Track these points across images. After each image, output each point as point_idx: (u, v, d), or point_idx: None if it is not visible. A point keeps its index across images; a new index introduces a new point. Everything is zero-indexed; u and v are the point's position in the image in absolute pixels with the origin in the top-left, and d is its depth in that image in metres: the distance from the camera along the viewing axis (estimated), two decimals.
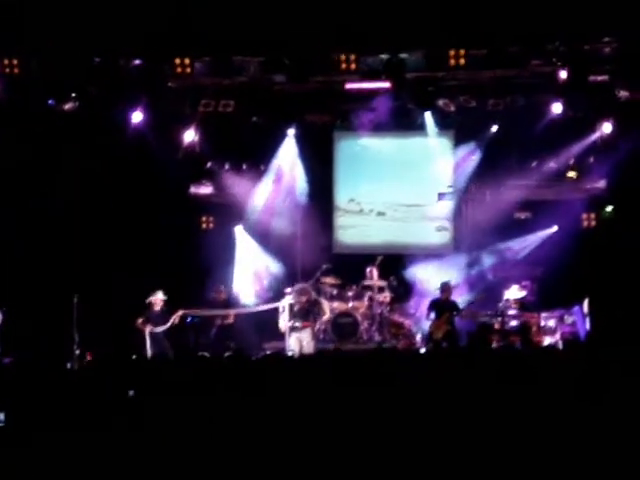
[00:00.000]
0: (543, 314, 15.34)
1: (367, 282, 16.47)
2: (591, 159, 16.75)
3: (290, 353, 13.26)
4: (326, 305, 15.02)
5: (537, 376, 7.48)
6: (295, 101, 16.32)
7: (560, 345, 14.34)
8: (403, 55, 14.74)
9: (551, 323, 15.25)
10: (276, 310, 14.65)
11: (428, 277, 16.16)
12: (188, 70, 14.75)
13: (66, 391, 7.57)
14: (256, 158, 17.53)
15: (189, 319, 15.00)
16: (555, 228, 16.84)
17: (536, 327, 15.20)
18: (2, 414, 7.27)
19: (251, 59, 15.00)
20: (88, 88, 15.12)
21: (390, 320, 16.27)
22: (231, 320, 15.37)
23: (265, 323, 15.25)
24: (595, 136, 16.41)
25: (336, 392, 7.28)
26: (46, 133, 15.57)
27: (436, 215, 17.62)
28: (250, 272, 17.26)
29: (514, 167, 16.98)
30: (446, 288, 14.79)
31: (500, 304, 15.45)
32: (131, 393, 7.53)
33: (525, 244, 17.05)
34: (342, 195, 17.95)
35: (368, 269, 16.46)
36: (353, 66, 14.65)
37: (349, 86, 15.46)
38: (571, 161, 16.88)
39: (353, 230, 17.95)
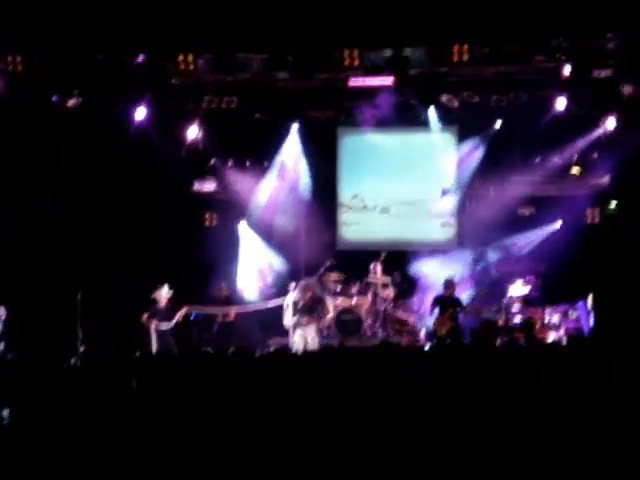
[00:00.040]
0: (547, 310, 15.33)
1: (371, 278, 16.47)
2: (595, 154, 16.72)
3: (294, 349, 13.27)
4: (330, 303, 15.01)
5: (540, 373, 7.47)
6: (298, 97, 16.31)
7: (564, 341, 14.34)
8: (406, 51, 14.73)
9: (555, 319, 15.23)
10: (280, 306, 14.67)
11: (432, 273, 16.15)
12: (191, 67, 14.73)
13: (70, 387, 7.58)
14: (259, 154, 17.52)
15: (193, 316, 15.03)
16: (559, 224, 16.85)
17: (540, 323, 15.19)
18: (6, 411, 7.29)
19: (254, 56, 14.99)
20: (91, 85, 15.12)
21: (394, 316, 16.27)
22: (232, 318, 15.39)
23: (269, 319, 15.28)
24: (599, 131, 16.40)
25: (340, 388, 7.28)
26: (47, 131, 15.58)
27: (440, 211, 17.60)
28: (254, 269, 17.26)
29: (518, 163, 16.97)
30: (450, 284, 14.76)
31: (504, 300, 15.44)
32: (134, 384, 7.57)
33: (529, 240, 17.04)
34: (346, 191, 17.95)
35: (372, 265, 16.46)
36: (356, 62, 14.63)
37: (352, 82, 15.45)
38: (575, 157, 16.86)
39: (357, 226, 17.95)
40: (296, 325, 14.19)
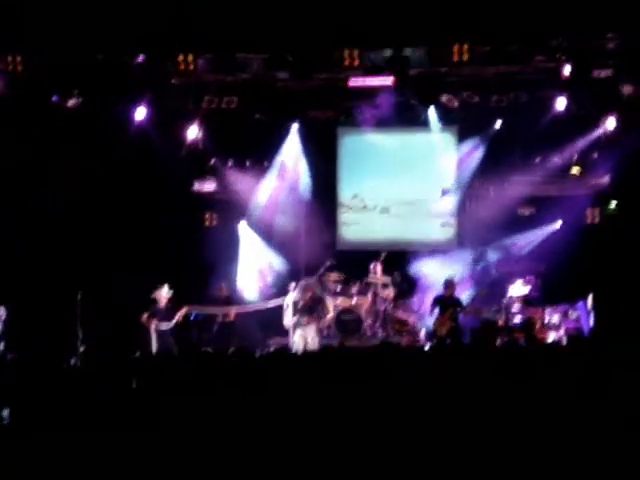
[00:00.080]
0: (547, 310, 15.33)
1: (371, 278, 16.47)
2: (595, 154, 16.72)
3: (294, 349, 13.27)
4: (330, 303, 15.01)
5: (540, 373, 7.47)
6: (298, 97, 16.31)
7: (564, 341, 14.34)
8: (406, 51, 14.73)
9: (555, 319, 15.22)
10: (280, 306, 14.67)
11: (432, 273, 16.15)
12: (191, 67, 14.73)
13: (70, 387, 7.58)
14: (259, 154, 17.52)
15: (193, 316, 15.03)
16: (559, 224, 16.85)
17: (540, 323, 15.19)
18: (6, 411, 7.29)
19: (254, 56, 15.00)
20: (91, 85, 15.11)
21: (394, 316, 16.27)
22: (232, 318, 15.39)
23: (269, 319, 15.28)
24: (599, 131, 16.40)
25: (340, 388, 7.28)
26: (47, 131, 15.58)
27: (440, 211, 17.60)
28: (254, 269, 17.26)
29: (518, 163, 16.97)
30: (450, 284, 14.76)
31: (504, 300, 15.44)
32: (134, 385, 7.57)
33: (529, 240, 17.04)
34: (346, 191, 17.96)
35: (372, 265, 16.46)
36: (356, 62, 14.64)
37: (352, 82, 15.45)
38: (575, 157, 16.85)
39: (357, 226, 17.95)
40: (296, 325, 14.19)
